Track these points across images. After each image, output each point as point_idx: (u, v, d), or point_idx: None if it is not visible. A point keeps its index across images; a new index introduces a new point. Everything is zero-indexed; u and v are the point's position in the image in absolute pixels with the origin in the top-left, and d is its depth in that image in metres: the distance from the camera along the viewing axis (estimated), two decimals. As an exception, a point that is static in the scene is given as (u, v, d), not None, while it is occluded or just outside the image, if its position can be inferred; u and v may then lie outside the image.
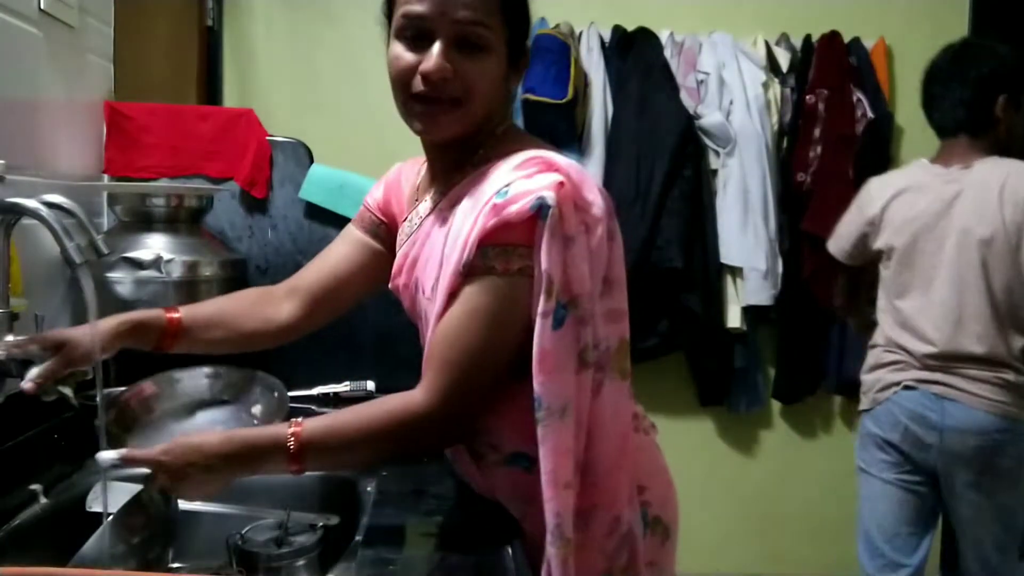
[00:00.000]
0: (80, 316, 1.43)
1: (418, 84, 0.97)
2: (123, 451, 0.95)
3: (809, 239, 2.71)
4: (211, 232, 1.60)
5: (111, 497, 1.11)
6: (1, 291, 1.05)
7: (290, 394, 1.64)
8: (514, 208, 0.91)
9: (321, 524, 1.11)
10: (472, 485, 1.10)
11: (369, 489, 1.15)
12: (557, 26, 2.69)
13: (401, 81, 0.99)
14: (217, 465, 0.93)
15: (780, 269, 2.71)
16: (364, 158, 2.43)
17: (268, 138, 1.69)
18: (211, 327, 1.18)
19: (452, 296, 0.95)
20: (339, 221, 1.70)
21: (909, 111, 2.88)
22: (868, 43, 2.79)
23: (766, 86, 2.72)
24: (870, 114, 2.71)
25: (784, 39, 2.81)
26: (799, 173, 2.73)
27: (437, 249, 1.00)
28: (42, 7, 1.32)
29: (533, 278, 0.91)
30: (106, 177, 1.63)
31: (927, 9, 2.88)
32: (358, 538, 0.97)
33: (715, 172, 2.74)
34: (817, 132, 2.71)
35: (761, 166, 2.66)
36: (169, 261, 1.41)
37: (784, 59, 2.78)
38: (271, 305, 1.23)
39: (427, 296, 1.01)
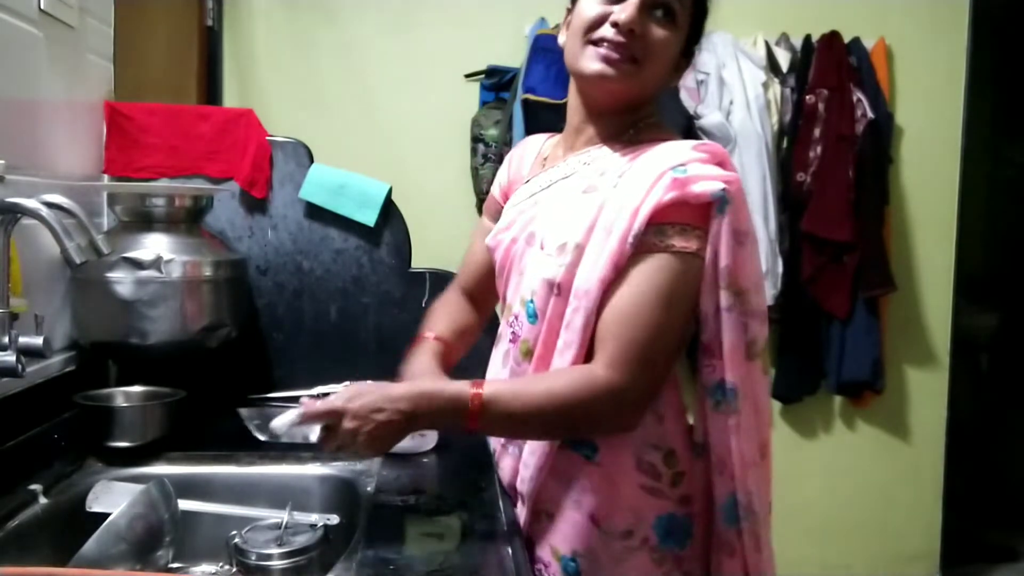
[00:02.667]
0: (80, 316, 1.43)
1: (606, 30, 1.00)
2: (300, 410, 0.94)
3: (809, 239, 2.71)
4: (211, 232, 1.60)
5: (111, 497, 1.11)
6: (1, 291, 1.05)
7: (290, 394, 1.64)
8: (696, 188, 0.95)
9: (321, 524, 1.11)
10: (508, 469, 1.11)
11: (369, 489, 1.15)
12: (557, 26, 2.69)
13: (588, 27, 1.01)
14: (405, 411, 0.93)
15: (780, 269, 2.71)
16: (364, 158, 2.44)
17: (268, 138, 1.68)
18: (464, 341, 1.27)
19: (617, 266, 0.96)
20: (339, 221, 1.71)
21: (909, 111, 2.89)
22: (868, 43, 2.79)
23: (766, 86, 2.72)
24: (870, 114, 2.71)
25: (784, 39, 2.81)
26: (799, 173, 2.73)
27: (577, 210, 1.01)
28: (42, 7, 1.32)
29: (704, 260, 0.96)
30: (106, 177, 1.63)
31: (927, 9, 2.88)
32: (358, 538, 0.97)
33: (715, 172, 2.73)
34: (817, 132, 2.71)
35: (761, 166, 2.66)
36: (169, 261, 1.40)
37: (784, 59, 2.77)
38: (470, 306, 1.31)
39: (545, 251, 1.03)
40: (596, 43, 1.00)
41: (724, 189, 0.95)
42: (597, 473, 1.02)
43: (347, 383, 1.63)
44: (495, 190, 1.29)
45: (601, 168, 1.04)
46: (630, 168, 1.01)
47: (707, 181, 0.96)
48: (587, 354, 0.99)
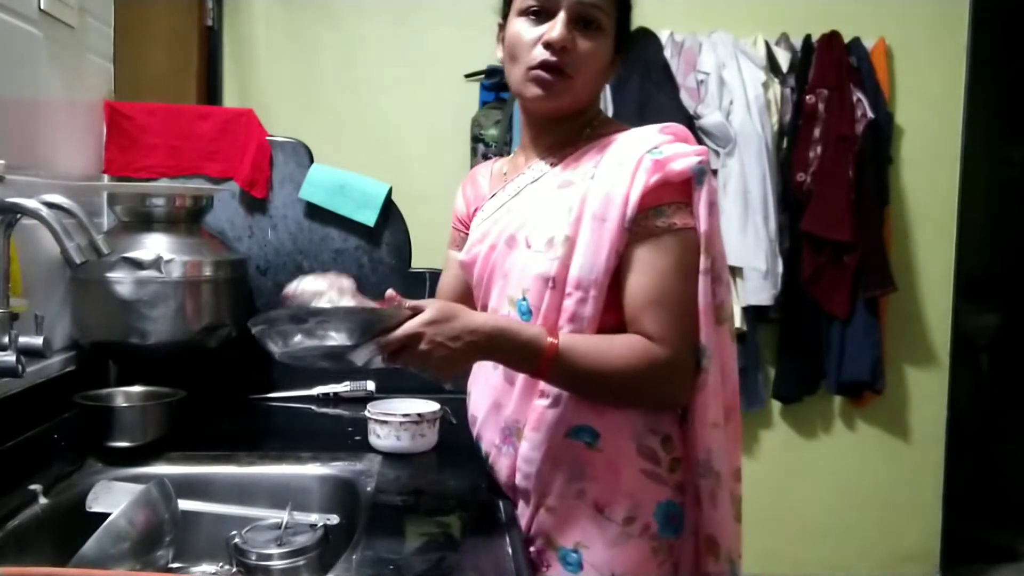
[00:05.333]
0: (80, 316, 1.43)
1: (540, 53, 1.04)
2: (377, 343, 0.94)
3: (809, 239, 2.71)
4: (211, 232, 1.60)
5: (111, 497, 1.11)
6: (1, 291, 1.05)
7: (290, 394, 1.64)
8: (676, 166, 1.01)
9: (321, 524, 1.11)
10: (505, 469, 1.11)
11: (369, 489, 1.15)
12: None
13: (523, 51, 1.06)
14: (480, 344, 0.97)
15: (780, 269, 2.71)
16: (364, 158, 2.44)
17: (268, 138, 1.68)
18: None
19: (618, 254, 1.01)
20: (339, 221, 1.71)
21: (909, 111, 2.89)
22: (868, 43, 2.79)
23: (766, 86, 2.72)
24: (870, 114, 2.71)
25: (784, 39, 2.81)
26: (799, 173, 2.73)
27: (558, 205, 1.05)
28: (42, 7, 1.32)
29: (697, 232, 1.02)
30: (106, 177, 1.63)
31: (927, 9, 2.88)
32: (358, 538, 0.97)
33: (715, 172, 2.74)
34: (817, 132, 2.71)
35: (761, 166, 2.66)
36: (169, 261, 1.40)
37: (784, 59, 2.78)
38: None
39: (532, 249, 1.06)
40: (533, 68, 1.05)
41: (701, 161, 1.02)
42: (600, 459, 1.05)
43: (346, 383, 1.63)
44: (455, 221, 1.31)
45: (571, 164, 1.09)
46: (602, 158, 1.05)
47: (683, 158, 1.02)
48: None
